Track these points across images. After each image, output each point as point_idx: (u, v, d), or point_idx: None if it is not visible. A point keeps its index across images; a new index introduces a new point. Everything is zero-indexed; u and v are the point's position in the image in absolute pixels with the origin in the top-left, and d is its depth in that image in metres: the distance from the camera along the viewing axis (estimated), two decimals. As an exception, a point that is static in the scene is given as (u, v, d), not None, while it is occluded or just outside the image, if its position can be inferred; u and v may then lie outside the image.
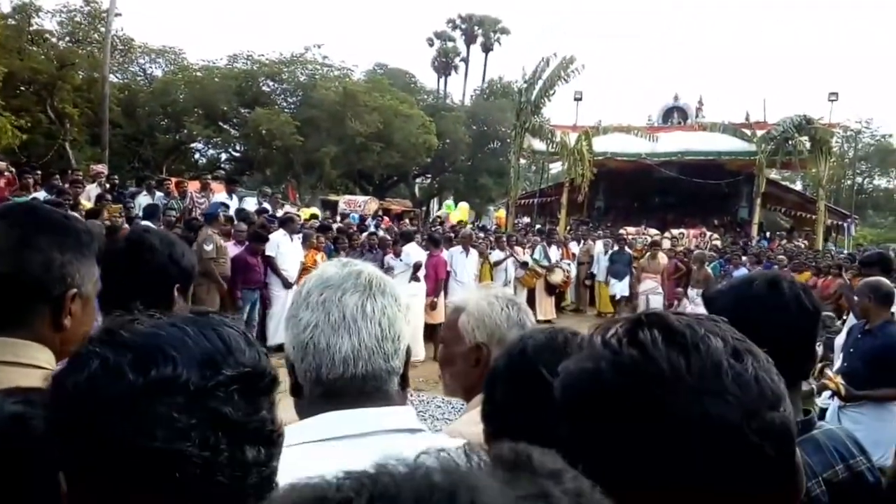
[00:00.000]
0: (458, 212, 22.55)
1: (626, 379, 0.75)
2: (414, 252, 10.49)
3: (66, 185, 10.82)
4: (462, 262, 11.67)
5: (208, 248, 8.60)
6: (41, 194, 9.64)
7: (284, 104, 28.72)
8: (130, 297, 1.79)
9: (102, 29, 24.37)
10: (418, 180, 36.98)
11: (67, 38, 25.18)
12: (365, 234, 12.82)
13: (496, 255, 13.22)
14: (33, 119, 21.97)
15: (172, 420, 0.74)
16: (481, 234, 15.63)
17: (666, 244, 16.90)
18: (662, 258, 14.07)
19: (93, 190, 11.47)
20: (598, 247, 16.12)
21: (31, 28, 24.14)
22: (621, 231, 19.55)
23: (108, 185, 12.00)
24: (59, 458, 0.79)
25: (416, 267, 10.35)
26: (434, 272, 10.72)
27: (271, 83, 29.08)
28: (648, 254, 14.26)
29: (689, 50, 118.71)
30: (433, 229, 15.03)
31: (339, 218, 17.14)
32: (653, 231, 20.69)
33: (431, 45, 45.63)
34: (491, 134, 35.12)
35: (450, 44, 45.61)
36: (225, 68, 28.65)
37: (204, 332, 0.81)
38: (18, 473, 0.88)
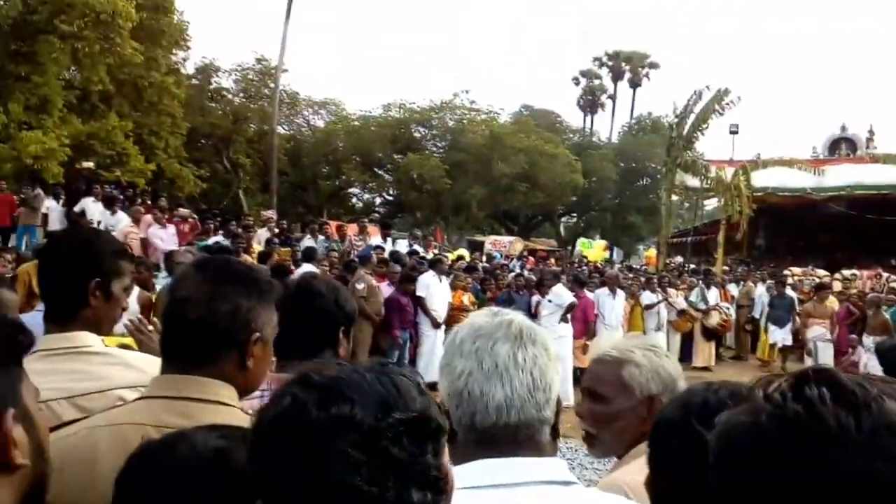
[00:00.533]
0: (593, 249, 21.98)
1: (788, 433, 0.72)
2: (562, 293, 10.40)
3: (240, 230, 11.90)
4: (609, 305, 11.40)
5: (360, 287, 9.07)
6: (219, 238, 10.66)
7: (434, 149, 29.76)
8: (301, 340, 1.99)
9: (272, 85, 26.68)
10: (564, 219, 36.74)
11: (241, 95, 27.76)
12: (511, 274, 12.92)
13: (648, 297, 12.77)
14: (212, 169, 24.42)
15: (347, 455, 0.82)
16: (629, 275, 15.23)
17: (836, 286, 15.57)
18: (832, 302, 12.98)
19: (263, 234, 12.51)
20: (759, 289, 15.14)
21: (210, 87, 26.96)
22: (785, 272, 18.24)
23: (276, 230, 13.01)
24: (255, 485, 0.89)
25: (571, 307, 10.20)
26: (583, 314, 10.57)
27: (422, 129, 30.30)
28: (816, 297, 13.20)
29: (856, 77, 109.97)
30: (578, 269, 14.86)
31: (484, 258, 17.41)
32: (821, 272, 19.11)
33: (577, 83, 45.65)
34: (640, 171, 34.32)
35: (596, 81, 45.38)
36: (380, 117, 30.27)
37: (380, 379, 0.88)
38: (222, 503, 1.01)
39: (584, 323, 10.53)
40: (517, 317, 1.31)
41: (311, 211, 27.23)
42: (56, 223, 11.84)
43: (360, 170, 28.61)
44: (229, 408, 1.41)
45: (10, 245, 10.92)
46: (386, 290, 9.83)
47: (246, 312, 1.46)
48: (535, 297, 10.94)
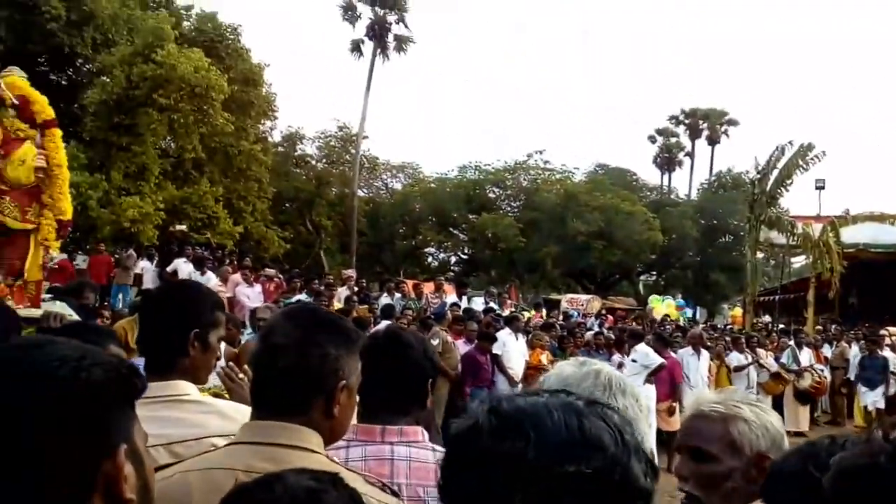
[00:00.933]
0: (663, 306, 21.18)
1: None
2: (647, 352, 10.07)
3: (322, 288, 12.23)
4: (694, 365, 10.98)
5: (435, 342, 9.08)
6: (303, 296, 10.98)
7: (508, 208, 30.03)
8: (390, 390, 1.99)
9: (353, 150, 27.77)
10: (643, 278, 35.98)
11: (324, 160, 29.00)
12: (590, 333, 12.68)
13: (736, 358, 12.23)
14: (295, 231, 25.36)
15: (508, 488, 0.77)
16: (714, 334, 14.68)
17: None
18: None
19: (343, 292, 12.79)
20: (854, 349, 14.31)
21: (295, 153, 28.29)
22: (882, 331, 17.19)
23: (356, 288, 13.29)
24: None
25: (660, 368, 9.87)
26: (669, 375, 10.19)
27: (497, 190, 30.68)
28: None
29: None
30: (661, 328, 14.44)
31: (561, 317, 17.18)
32: (922, 331, 17.91)
33: (653, 142, 45.30)
34: (721, 228, 33.41)
35: (673, 139, 44.95)
36: (455, 179, 30.88)
37: (568, 419, 0.80)
38: None
39: (669, 384, 10.11)
40: (605, 367, 1.31)
41: (389, 270, 27.72)
42: (149, 283, 12.46)
43: (435, 230, 29.12)
44: (317, 454, 1.43)
45: (105, 303, 11.56)
46: (462, 347, 9.82)
47: (334, 360, 1.48)
48: (616, 357, 10.67)
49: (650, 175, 42.57)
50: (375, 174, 31.89)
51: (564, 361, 1.40)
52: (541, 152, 31.11)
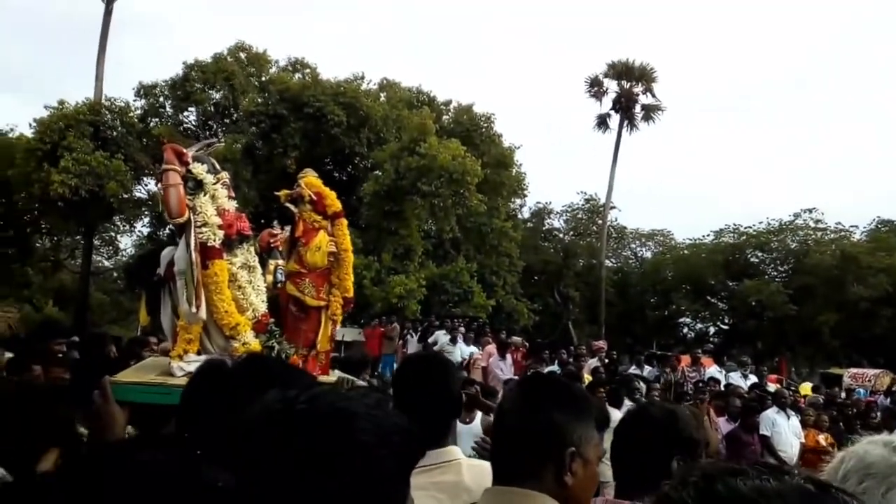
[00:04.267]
0: None
1: None
2: None
3: (570, 359, 12.34)
4: None
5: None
6: (554, 367, 11.21)
7: (774, 273, 27.67)
8: (646, 466, 1.95)
9: (600, 221, 27.87)
10: (950, 350, 30.52)
11: (571, 233, 29.42)
12: (884, 412, 11.10)
13: None
14: (544, 302, 25.86)
15: None
16: None
17: None
18: None
19: (592, 363, 12.77)
20: None
21: (543, 228, 29.16)
22: None
23: (606, 360, 13.19)
24: None
25: None
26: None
27: (760, 254, 28.52)
28: None
29: None
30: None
31: (843, 394, 15.26)
32: None
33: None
34: None
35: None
36: (711, 244, 29.32)
37: None
38: None
39: None
40: None
41: (640, 341, 26.89)
42: (412, 351, 13.59)
43: (690, 298, 27.74)
44: None
45: (377, 373, 12.84)
46: (724, 426, 9.21)
47: (561, 426, 1.49)
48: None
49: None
50: (624, 243, 31.55)
51: (870, 441, 1.20)
52: (811, 210, 28.45)
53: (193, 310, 4.03)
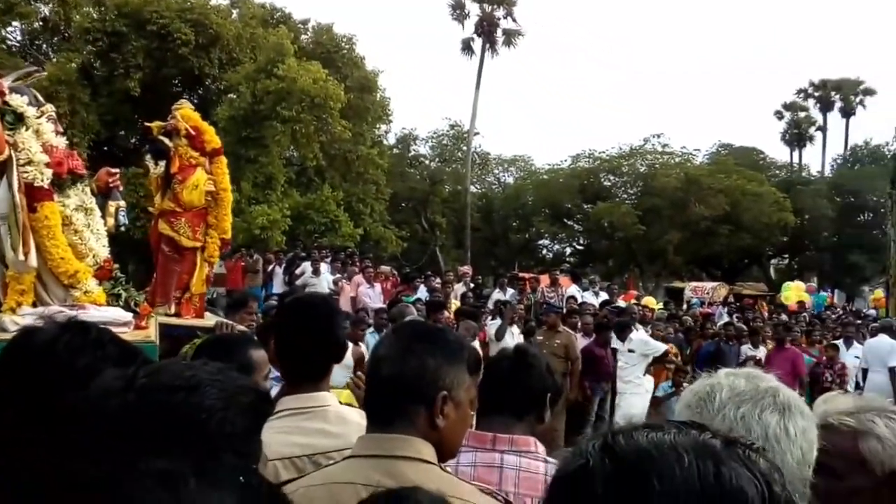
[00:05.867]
0: (792, 293, 19.56)
1: None
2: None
3: (439, 285, 12.55)
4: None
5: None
6: (423, 293, 11.34)
7: (625, 196, 29.30)
8: (516, 405, 2.07)
9: (465, 148, 28.09)
10: (774, 262, 34.08)
11: (437, 159, 29.50)
12: (720, 323, 12.24)
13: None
14: (411, 229, 25.99)
15: None
16: (857, 321, 13.76)
17: None
18: None
19: (459, 289, 13.06)
20: None
21: (409, 154, 29.01)
22: None
23: (472, 284, 13.52)
24: None
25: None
26: (792, 367, 9.63)
27: (612, 177, 30.00)
28: None
29: None
30: (794, 319, 13.67)
31: (684, 306, 16.67)
32: None
33: (780, 118, 42.71)
34: (860, 205, 31.07)
35: (802, 114, 42.18)
36: (568, 169, 30.49)
37: (701, 465, 0.65)
38: None
39: (791, 378, 9.45)
40: (781, 386, 1.24)
41: (503, 264, 27.86)
42: (279, 287, 13.26)
43: (549, 222, 28.90)
44: (430, 465, 1.47)
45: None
46: (581, 341, 9.71)
47: (433, 371, 1.50)
48: (746, 347, 10.25)
49: (778, 153, 40.23)
50: (487, 169, 32.10)
51: (729, 372, 1.30)
52: (658, 136, 30.16)
53: (21, 257, 3.62)
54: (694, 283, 22.57)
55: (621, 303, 13.30)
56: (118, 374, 0.93)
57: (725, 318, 13.42)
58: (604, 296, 13.50)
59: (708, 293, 19.86)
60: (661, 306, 15.00)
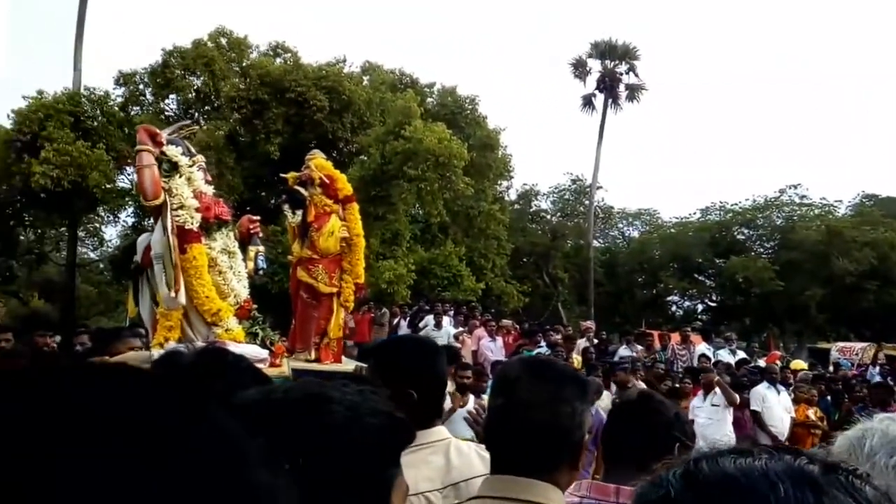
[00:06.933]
0: None
1: None
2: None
3: (561, 340, 12.32)
4: None
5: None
6: (544, 349, 11.18)
7: (761, 250, 27.84)
8: (638, 454, 1.93)
9: (587, 202, 27.85)
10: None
11: (559, 214, 29.40)
12: (873, 382, 11.18)
13: None
14: (532, 284, 25.85)
15: None
16: None
17: None
18: None
19: (582, 344, 12.76)
20: None
21: (531, 210, 29.11)
22: None
23: (595, 340, 13.19)
24: None
25: None
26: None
27: (746, 230, 28.66)
28: None
29: None
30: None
31: (831, 368, 15.37)
32: None
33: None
34: None
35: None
36: (697, 222, 29.43)
37: (799, 494, 0.57)
38: None
39: None
40: None
41: (629, 321, 26.99)
42: (404, 338, 13.52)
43: (678, 277, 27.86)
44: None
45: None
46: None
47: (580, 415, 1.46)
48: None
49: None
50: (611, 223, 31.56)
51: (880, 417, 1.19)
52: (795, 186, 28.56)
53: (172, 294, 3.95)
54: (841, 344, 20.80)
55: (761, 363, 12.49)
56: (257, 390, 0.97)
57: (878, 380, 12.22)
58: (741, 354, 12.74)
59: (857, 354, 18.22)
60: (806, 367, 13.93)
